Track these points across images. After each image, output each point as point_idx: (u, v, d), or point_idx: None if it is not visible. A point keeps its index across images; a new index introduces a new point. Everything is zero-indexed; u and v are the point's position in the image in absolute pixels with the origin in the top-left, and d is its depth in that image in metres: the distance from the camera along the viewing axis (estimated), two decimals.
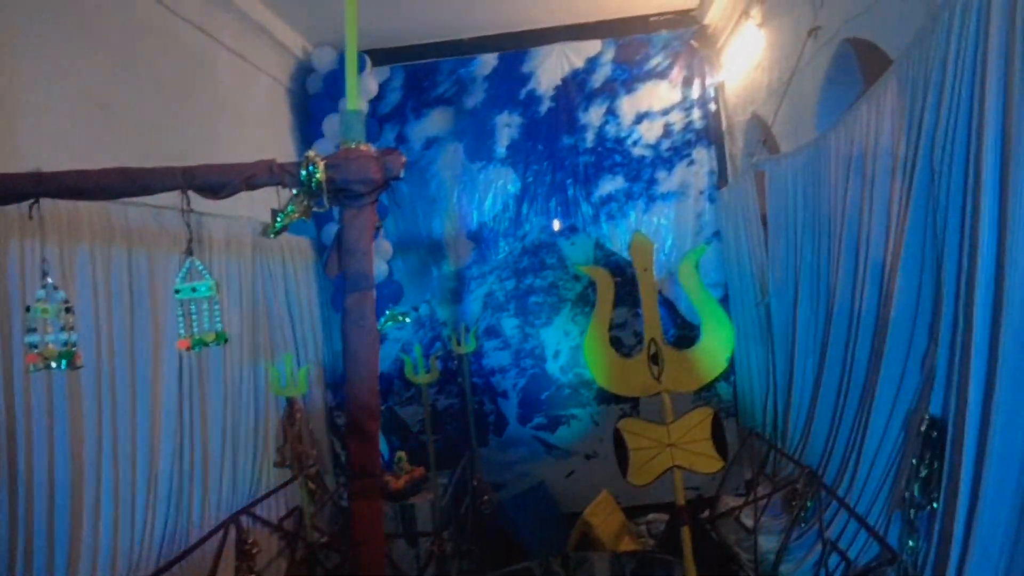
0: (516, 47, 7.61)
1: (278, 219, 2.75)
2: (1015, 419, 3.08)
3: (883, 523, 4.01)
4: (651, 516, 6.83)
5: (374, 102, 7.53)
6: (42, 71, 3.76)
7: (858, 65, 5.07)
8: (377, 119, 7.58)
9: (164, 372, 4.42)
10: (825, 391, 5.04)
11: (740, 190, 6.75)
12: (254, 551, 5.17)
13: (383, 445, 7.30)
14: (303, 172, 2.55)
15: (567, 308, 7.27)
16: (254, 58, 6.36)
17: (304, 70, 7.26)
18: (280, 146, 6.93)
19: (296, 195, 2.64)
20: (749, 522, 5.86)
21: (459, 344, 6.42)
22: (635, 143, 7.52)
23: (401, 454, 6.20)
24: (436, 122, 7.70)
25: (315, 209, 2.66)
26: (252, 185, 2.66)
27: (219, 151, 5.59)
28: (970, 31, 3.26)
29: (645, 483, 3.72)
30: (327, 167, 2.55)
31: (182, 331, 2.78)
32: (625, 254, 7.25)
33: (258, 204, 6.28)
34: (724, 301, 7.19)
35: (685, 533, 3.73)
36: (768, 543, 5.47)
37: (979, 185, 3.24)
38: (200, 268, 2.84)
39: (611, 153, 7.55)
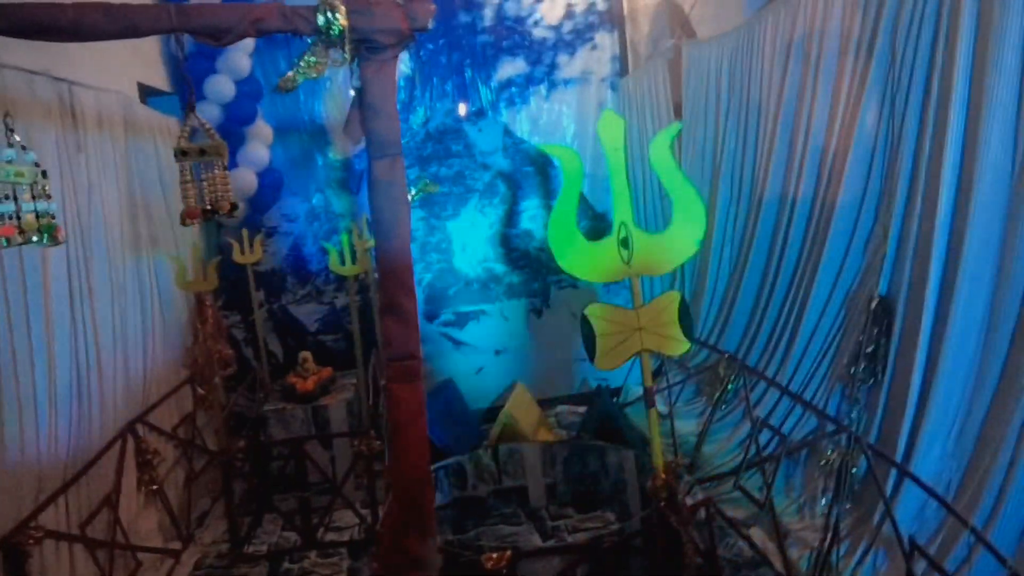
0: None
1: (296, 70, 2.27)
2: (976, 293, 3.22)
3: (820, 401, 4.17)
4: (560, 408, 6.89)
5: None
6: None
7: None
8: None
9: (52, 267, 3.75)
10: (748, 279, 5.14)
11: (648, 77, 6.60)
12: (155, 461, 4.68)
13: (277, 348, 6.81)
14: (322, 18, 2.09)
15: (475, 199, 6.93)
16: None
17: None
18: None
19: (312, 45, 2.18)
20: (663, 408, 6.02)
21: (360, 237, 5.97)
22: (536, 24, 7.12)
23: (306, 354, 5.76)
24: None
25: (332, 64, 2.22)
26: (260, 31, 2.19)
27: None
28: None
29: (613, 367, 3.61)
30: (349, 13, 2.10)
31: (189, 200, 2.28)
32: (530, 142, 6.99)
33: (127, 74, 5.45)
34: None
35: (652, 415, 3.68)
36: (686, 427, 5.66)
37: (950, 65, 3.25)
38: (204, 124, 2.32)
39: (511, 33, 7.11)
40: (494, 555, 3.66)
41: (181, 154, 3.13)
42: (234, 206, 3.29)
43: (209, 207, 3.23)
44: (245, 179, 6.43)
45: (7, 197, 2.34)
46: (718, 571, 4.10)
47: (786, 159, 4.62)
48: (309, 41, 2.36)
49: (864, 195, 3.94)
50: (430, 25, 2.31)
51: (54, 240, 2.44)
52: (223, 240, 6.26)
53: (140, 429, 4.74)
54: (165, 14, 2.32)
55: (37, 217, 2.39)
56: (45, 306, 3.67)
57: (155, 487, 4.76)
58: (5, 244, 2.31)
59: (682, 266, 6.29)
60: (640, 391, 6.41)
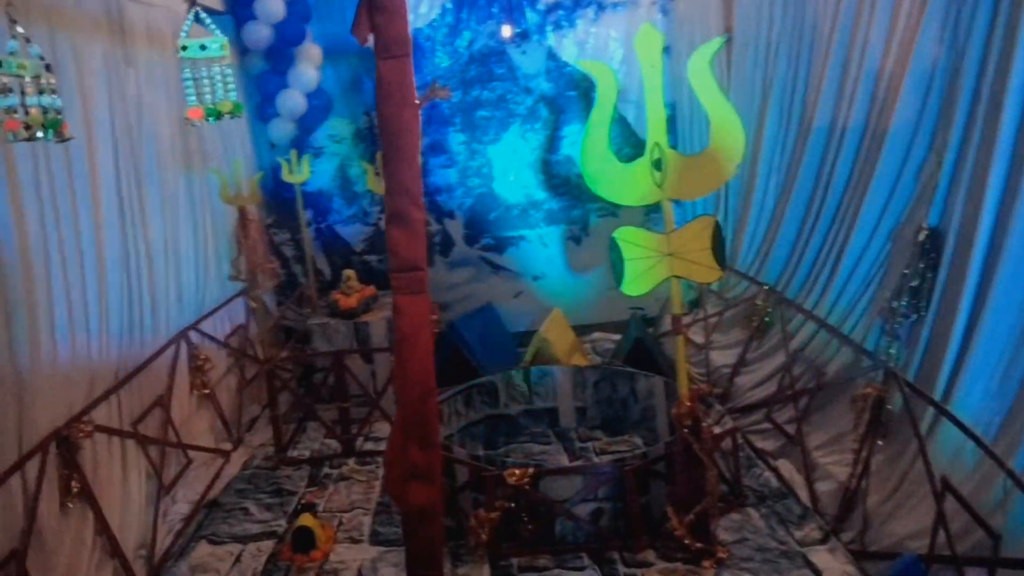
0: None
1: None
2: None
3: (858, 336, 4.10)
4: (596, 335, 6.93)
5: None
6: None
7: None
8: None
9: (101, 176, 3.88)
10: (792, 208, 5.01)
11: (700, 1, 6.36)
12: (207, 367, 4.91)
13: (325, 265, 6.96)
14: None
15: (517, 124, 6.85)
16: None
17: None
18: None
19: None
20: (698, 339, 6.01)
21: None
22: None
23: (350, 272, 5.89)
24: None
25: None
26: None
27: None
28: None
29: (640, 293, 3.60)
30: None
31: (192, 98, 2.31)
32: (578, 67, 6.83)
33: None
34: (671, 120, 6.98)
35: (680, 343, 3.69)
36: (721, 358, 5.65)
37: None
38: (208, 22, 2.33)
39: None
40: (517, 471, 3.78)
41: (182, 49, 3.04)
42: (236, 106, 3.24)
43: (212, 107, 3.17)
44: (295, 100, 6.48)
45: (11, 91, 2.35)
46: (742, 499, 4.16)
47: (839, 83, 4.43)
48: None
49: (919, 121, 3.77)
50: None
51: (60, 136, 2.45)
52: (274, 159, 6.36)
53: (193, 336, 4.96)
54: None
55: (43, 112, 2.41)
56: (95, 211, 3.81)
57: (207, 391, 5.00)
58: (12, 139, 2.34)
59: (726, 195, 6.18)
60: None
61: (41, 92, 2.21)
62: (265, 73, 6.65)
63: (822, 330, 4.44)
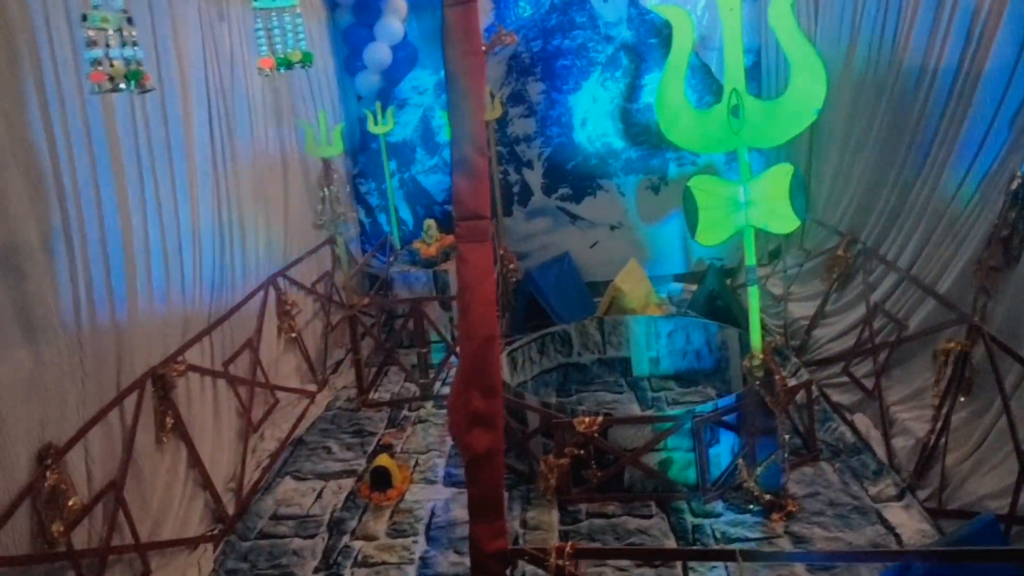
0: None
1: None
2: None
3: (945, 288, 3.95)
4: (671, 285, 6.88)
5: None
6: None
7: None
8: None
9: (196, 127, 4.09)
10: (879, 154, 4.82)
11: None
12: (293, 312, 5.16)
13: (408, 215, 7.13)
14: None
15: (596, 72, 6.76)
16: None
17: None
18: None
19: None
20: (777, 290, 5.89)
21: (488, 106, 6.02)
22: None
23: (430, 222, 6.05)
24: None
25: None
26: None
27: None
28: None
29: (715, 243, 3.56)
30: None
31: (264, 49, 2.42)
32: (659, 14, 6.65)
33: None
34: (756, 68, 6.74)
35: (754, 294, 3.64)
36: (799, 310, 5.53)
37: None
38: None
39: None
40: (587, 419, 3.84)
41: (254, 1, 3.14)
42: (306, 56, 3.34)
43: (283, 56, 3.29)
44: (381, 52, 6.60)
45: (96, 44, 2.47)
46: (816, 453, 4.11)
47: (931, 22, 4.19)
48: None
49: (1017, 63, 3.54)
50: None
51: (141, 87, 2.58)
52: (361, 111, 6.51)
53: (281, 282, 5.21)
54: None
55: (126, 64, 2.52)
56: (190, 163, 4.01)
57: (294, 335, 5.26)
58: (96, 90, 2.49)
59: (810, 142, 5.96)
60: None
61: (123, 44, 2.34)
62: (352, 26, 6.79)
63: (905, 282, 4.29)
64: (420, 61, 6.97)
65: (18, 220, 2.70)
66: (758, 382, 3.61)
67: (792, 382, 4.12)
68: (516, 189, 7.03)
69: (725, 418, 3.88)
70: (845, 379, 4.61)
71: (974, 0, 3.82)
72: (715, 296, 5.75)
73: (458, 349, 5.23)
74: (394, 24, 6.64)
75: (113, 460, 3.25)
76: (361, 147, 7.01)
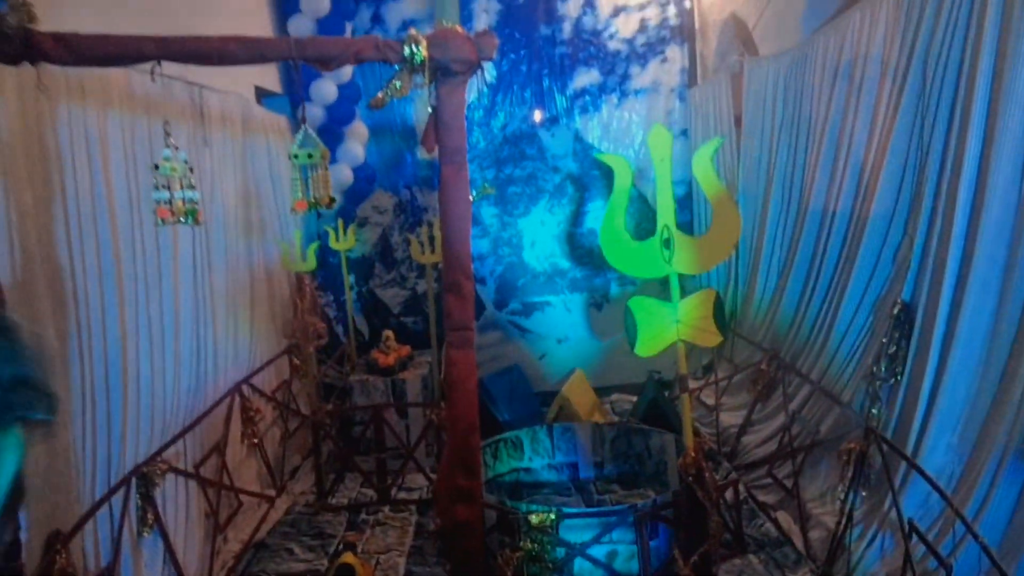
0: None
1: (385, 92, 2.84)
2: (982, 305, 3.56)
3: (847, 397, 4.54)
4: (615, 396, 7.37)
5: None
6: None
7: None
8: None
9: (181, 246, 4.50)
10: (792, 282, 5.50)
11: (713, 90, 6.99)
12: (256, 418, 5.43)
13: (364, 325, 7.54)
14: (407, 49, 2.65)
15: (545, 199, 7.51)
16: None
17: None
18: (259, 20, 6.73)
19: (399, 71, 2.74)
20: (710, 401, 6.44)
21: (440, 230, 6.60)
22: (611, 37, 7.60)
23: (388, 333, 6.45)
24: (412, 3, 7.55)
25: (414, 86, 2.78)
26: (359, 59, 2.78)
27: (209, 19, 5.44)
28: None
29: (651, 354, 4.09)
30: (429, 46, 2.65)
31: (298, 194, 2.91)
32: (600, 148, 7.48)
33: (247, 78, 6.21)
34: (688, 197, 7.56)
35: (686, 400, 4.15)
36: (729, 419, 6.06)
37: (971, 93, 3.58)
38: (313, 136, 2.95)
39: (587, 45, 7.62)
40: (540, 513, 4.21)
41: (294, 157, 3.78)
42: (332, 200, 3.93)
43: (313, 200, 3.87)
44: (343, 173, 7.17)
45: (164, 187, 3.04)
46: (744, 547, 4.54)
47: (829, 172, 4.97)
48: (396, 68, 2.92)
49: (895, 208, 4.28)
50: (494, 56, 2.84)
51: (196, 221, 3.12)
52: (322, 228, 7.01)
53: (245, 389, 5.50)
54: (286, 46, 2.96)
55: (184, 203, 3.08)
56: (175, 277, 4.40)
57: (256, 441, 5.51)
58: (161, 223, 3.00)
59: (736, 267, 6.69)
60: (691, 382, 6.84)
61: (183, 187, 2.84)
62: None
63: (816, 392, 4.88)
64: (379, 182, 7.58)
65: (43, 327, 3.06)
66: (691, 477, 4.07)
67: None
68: None
69: (664, 513, 4.30)
70: (769, 480, 5.11)
71: (861, 156, 4.60)
72: (654, 405, 6.24)
73: (415, 455, 5.60)
74: (356, 148, 7.25)
75: (107, 549, 3.48)
76: (322, 262, 7.48)
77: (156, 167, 2.82)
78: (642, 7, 7.61)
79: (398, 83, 2.76)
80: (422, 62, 2.68)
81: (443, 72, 2.70)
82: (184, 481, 4.48)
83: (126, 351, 3.78)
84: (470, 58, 2.71)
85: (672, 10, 7.63)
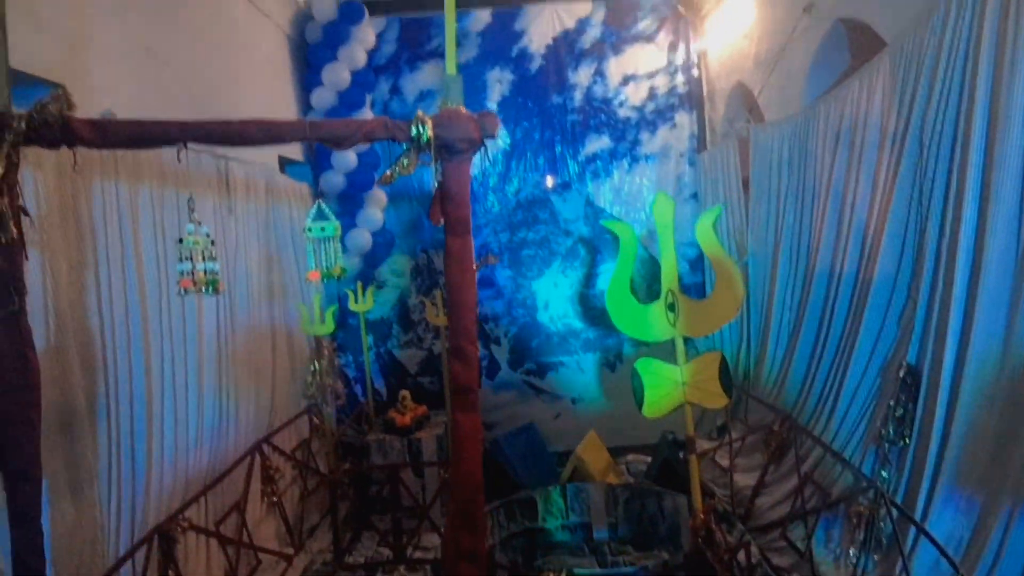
0: (509, 4, 7.83)
1: (393, 169, 3.03)
2: (984, 367, 3.62)
3: (858, 459, 4.57)
4: (630, 456, 7.38)
5: (371, 53, 7.60)
6: (101, 16, 3.90)
7: (848, 44, 5.49)
8: (373, 69, 7.70)
9: (204, 312, 4.68)
10: (802, 344, 5.57)
11: (721, 154, 7.19)
12: (276, 477, 5.53)
13: (381, 385, 7.66)
14: (414, 129, 2.84)
15: (558, 261, 7.69)
16: (261, 3, 6.45)
17: (304, 18, 7.36)
18: (283, 93, 7.06)
19: (407, 150, 2.93)
20: (724, 462, 6.44)
21: None
22: (621, 104, 7.87)
23: (405, 392, 6.57)
24: (429, 75, 7.88)
25: (421, 164, 2.96)
26: (370, 139, 2.98)
27: (237, 95, 5.75)
28: (965, 20, 3.69)
29: (658, 416, 4.15)
30: (435, 126, 2.84)
31: (312, 264, 3.09)
32: (611, 211, 7.67)
33: (266, 151, 6.48)
34: (699, 260, 7.69)
35: (693, 462, 4.20)
36: (743, 480, 6.06)
37: (965, 160, 3.71)
38: (326, 210, 3.14)
39: (598, 113, 7.89)
40: (552, 573, 4.25)
41: (308, 231, 4.01)
42: (343, 270, 4.13)
43: (326, 271, 4.08)
44: (362, 237, 7.39)
45: (188, 258, 3.26)
46: None
47: (834, 236, 5.09)
48: (404, 146, 3.10)
49: (898, 271, 4.37)
50: (497, 134, 3.02)
51: (216, 291, 3.32)
52: (342, 290, 7.20)
53: (265, 449, 5.61)
54: (302, 128, 3.16)
55: (205, 274, 3.29)
56: (199, 341, 4.58)
57: (275, 499, 5.59)
58: (183, 293, 3.20)
59: (748, 328, 6.76)
60: (705, 443, 6.86)
61: (205, 259, 3.04)
62: (337, 215, 7.62)
63: (825, 457, 4.90)
64: (397, 246, 7.80)
65: (73, 389, 3.22)
66: (701, 539, 4.09)
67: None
68: (484, 363, 7.68)
69: (675, 575, 4.32)
70: (783, 543, 5.09)
71: (864, 219, 4.72)
72: (668, 466, 6.27)
73: (431, 514, 5.65)
74: (374, 213, 7.49)
75: None
76: (341, 323, 7.65)
77: (180, 241, 3.04)
78: (651, 76, 7.88)
79: (405, 161, 2.93)
80: (428, 141, 2.86)
81: (448, 150, 2.88)
82: (204, 539, 4.56)
83: (151, 412, 3.94)
84: (473, 136, 2.88)
85: (680, 78, 7.89)
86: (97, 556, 3.30)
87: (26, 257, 2.73)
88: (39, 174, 3.15)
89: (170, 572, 3.98)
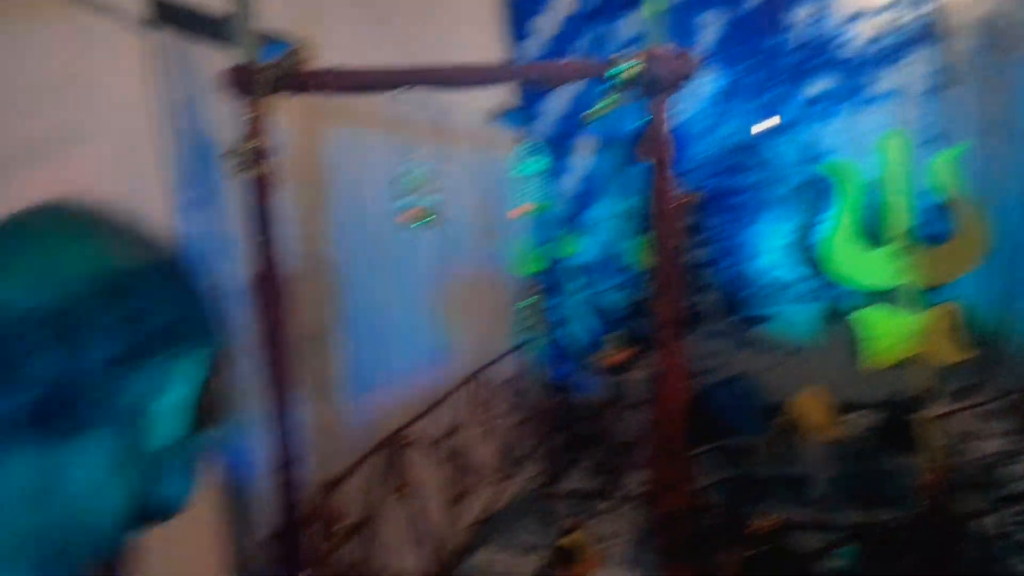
0: None
1: (597, 108, 3.09)
2: None
3: None
4: (852, 413, 6.96)
5: (578, 2, 7.60)
6: None
7: None
8: (580, 17, 7.67)
9: (423, 246, 5.02)
10: None
11: (971, 93, 6.44)
12: (489, 406, 5.89)
13: (588, 329, 7.82)
14: (616, 68, 2.87)
15: (773, 209, 7.34)
16: None
17: None
18: (491, 48, 7.21)
19: (610, 87, 2.96)
20: (963, 426, 5.89)
21: None
22: (847, 42, 7.25)
23: (614, 334, 6.70)
24: (635, 23, 7.71)
25: (623, 102, 2.98)
26: (576, 76, 3.18)
27: (448, 50, 5.99)
28: None
29: (882, 368, 3.90)
30: (635, 65, 2.85)
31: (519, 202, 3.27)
32: (833, 156, 7.16)
33: (481, 97, 6.72)
34: (935, 208, 6.97)
35: (924, 420, 3.90)
36: (986, 446, 5.53)
37: None
38: (533, 150, 3.30)
39: (821, 52, 7.34)
40: (765, 519, 4.15)
41: (517, 170, 4.07)
42: (546, 207, 4.20)
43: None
44: (571, 182, 7.58)
45: (411, 192, 3.53)
46: None
47: None
48: (607, 85, 3.14)
49: None
50: (694, 73, 2.95)
51: (433, 224, 3.59)
52: (551, 234, 7.39)
53: (480, 378, 5.95)
54: (509, 71, 3.21)
55: (425, 208, 3.55)
56: (418, 276, 4.98)
57: (489, 427, 5.94)
58: (408, 226, 3.47)
59: (997, 284, 6.07)
60: (942, 406, 6.29)
61: (426, 194, 3.36)
62: (546, 160, 7.81)
63: None
64: (606, 190, 7.83)
65: (312, 311, 3.62)
66: (928, 501, 3.80)
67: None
68: (694, 312, 7.54)
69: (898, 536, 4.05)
70: None
71: None
72: (894, 424, 5.86)
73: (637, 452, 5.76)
74: (583, 158, 7.58)
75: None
76: (549, 266, 7.84)
77: (400, 177, 3.34)
78: (881, 10, 7.17)
79: (608, 100, 2.95)
80: (632, 79, 2.85)
81: (652, 87, 2.86)
82: (425, 454, 4.97)
83: (379, 337, 4.34)
84: (677, 73, 2.84)
85: (916, 11, 7.11)
86: (341, 452, 3.72)
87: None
88: (284, 118, 3.56)
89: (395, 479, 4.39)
